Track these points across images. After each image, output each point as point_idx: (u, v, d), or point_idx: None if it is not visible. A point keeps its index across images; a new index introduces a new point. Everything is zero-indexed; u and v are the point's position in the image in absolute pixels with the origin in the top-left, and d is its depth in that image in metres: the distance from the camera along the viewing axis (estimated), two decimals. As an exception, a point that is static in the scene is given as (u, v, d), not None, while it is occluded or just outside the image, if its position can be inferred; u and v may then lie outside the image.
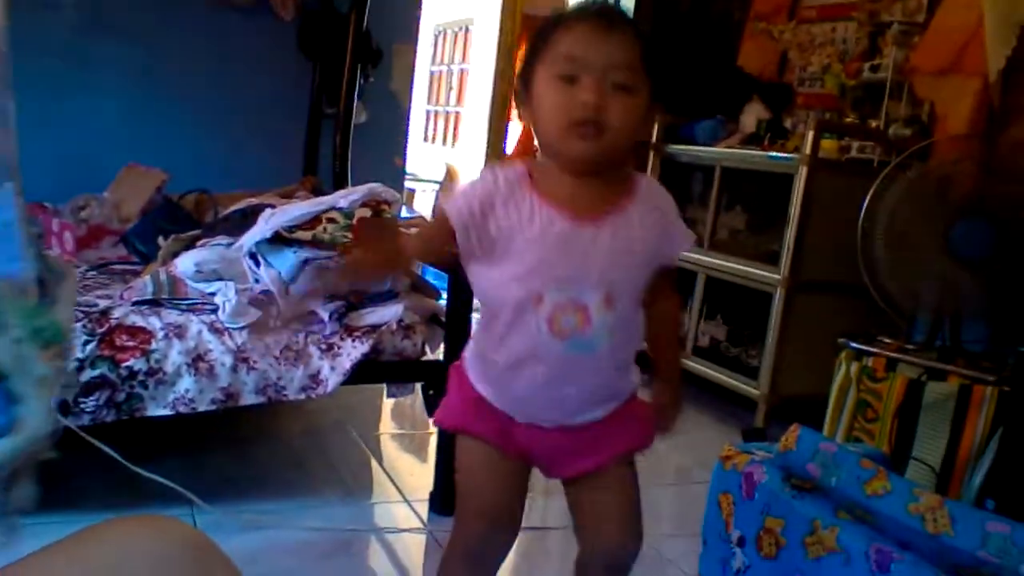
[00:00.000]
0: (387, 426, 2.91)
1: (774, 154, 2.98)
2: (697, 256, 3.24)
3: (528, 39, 1.18)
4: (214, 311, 1.99)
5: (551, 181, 1.16)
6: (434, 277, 2.86)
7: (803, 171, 2.77)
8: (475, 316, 1.34)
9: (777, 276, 2.84)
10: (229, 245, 2.24)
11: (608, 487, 1.28)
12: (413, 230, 1.37)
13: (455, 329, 2.11)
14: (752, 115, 3.37)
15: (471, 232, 1.15)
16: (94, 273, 2.39)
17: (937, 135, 2.82)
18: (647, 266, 1.19)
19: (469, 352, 1.29)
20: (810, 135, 2.77)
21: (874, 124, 3.03)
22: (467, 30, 6.10)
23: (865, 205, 2.44)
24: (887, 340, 2.31)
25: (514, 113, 6.13)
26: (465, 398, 1.26)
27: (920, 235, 2.29)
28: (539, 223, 1.13)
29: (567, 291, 1.13)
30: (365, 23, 3.32)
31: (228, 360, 1.90)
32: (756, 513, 1.54)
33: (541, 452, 1.26)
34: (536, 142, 1.18)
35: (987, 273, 2.23)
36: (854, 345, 2.28)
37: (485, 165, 1.32)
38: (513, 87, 1.23)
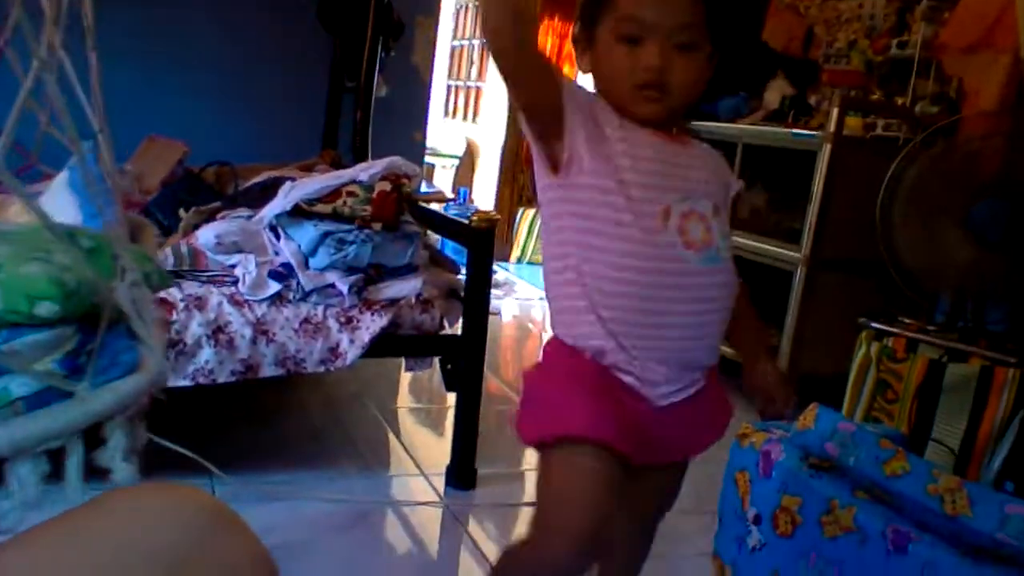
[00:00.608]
0: (405, 400, 2.93)
1: (797, 131, 2.95)
2: (717, 234, 3.22)
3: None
4: (234, 283, 2.01)
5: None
6: (452, 252, 2.86)
7: (827, 149, 2.73)
8: (551, 276, 1.14)
9: (798, 255, 2.82)
10: (249, 218, 2.25)
11: (675, 479, 1.32)
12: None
13: (474, 303, 2.11)
14: (776, 92, 3.33)
15: (578, 115, 1.08)
16: (116, 244, 2.41)
17: (965, 113, 2.77)
18: (726, 189, 1.20)
19: (568, 322, 1.13)
20: (835, 112, 2.73)
21: (901, 102, 2.99)
22: (488, 4, 6.05)
23: (886, 183, 2.41)
24: (908, 320, 2.29)
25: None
26: (588, 393, 1.09)
27: (940, 214, 2.25)
28: (642, 136, 1.10)
29: (687, 201, 1.10)
30: (386, -4, 3.31)
31: (248, 332, 1.91)
32: (773, 491, 1.53)
33: (675, 433, 1.17)
34: (597, 89, 1.14)
35: (1007, 253, 2.19)
36: (875, 325, 2.26)
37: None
38: (571, 36, 1.18)
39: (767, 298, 2.99)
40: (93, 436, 0.77)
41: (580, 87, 1.12)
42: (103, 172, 0.84)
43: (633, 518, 1.33)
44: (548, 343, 1.18)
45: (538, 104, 1.08)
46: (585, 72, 1.16)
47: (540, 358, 1.19)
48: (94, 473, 0.79)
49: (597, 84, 1.14)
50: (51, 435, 0.70)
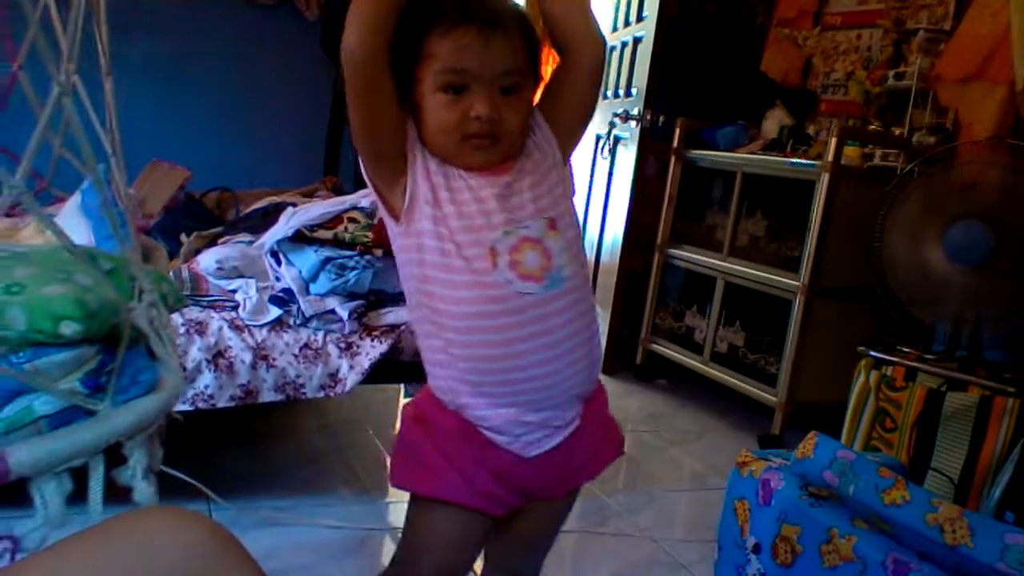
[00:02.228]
0: (403, 426, 2.92)
1: (796, 160, 2.97)
2: (716, 262, 3.23)
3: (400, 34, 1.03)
4: (235, 308, 2.01)
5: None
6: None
7: (825, 178, 2.76)
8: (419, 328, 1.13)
9: (797, 283, 2.83)
10: (250, 243, 2.26)
11: (553, 514, 1.22)
12: None
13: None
14: (774, 121, 3.35)
15: (417, 157, 1.05)
16: (117, 268, 2.42)
17: (961, 143, 2.80)
18: (561, 165, 1.13)
19: (434, 373, 1.12)
20: (833, 142, 2.75)
21: (898, 132, 3.01)
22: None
23: (881, 212, 2.42)
24: (906, 349, 2.30)
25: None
26: (450, 451, 1.10)
27: (930, 242, 2.27)
28: (458, 177, 1.06)
29: (514, 233, 1.04)
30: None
31: (248, 357, 1.91)
32: (772, 520, 1.53)
33: (547, 480, 1.14)
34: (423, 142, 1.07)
35: (987, 276, 2.19)
36: (873, 353, 2.27)
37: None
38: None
39: (766, 326, 3.00)
40: (113, 456, 0.78)
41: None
42: (116, 195, 0.85)
43: (515, 553, 1.26)
44: (423, 391, 1.15)
45: (385, 134, 1.05)
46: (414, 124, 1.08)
47: (415, 402, 1.17)
48: (114, 493, 0.79)
49: (422, 138, 1.07)
50: (74, 453, 0.71)
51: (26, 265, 0.83)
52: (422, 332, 1.11)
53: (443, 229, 1.04)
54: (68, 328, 0.77)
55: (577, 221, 1.15)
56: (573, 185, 1.16)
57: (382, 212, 1.10)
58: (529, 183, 1.08)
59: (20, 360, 0.77)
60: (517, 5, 1.09)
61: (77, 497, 0.74)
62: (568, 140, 1.14)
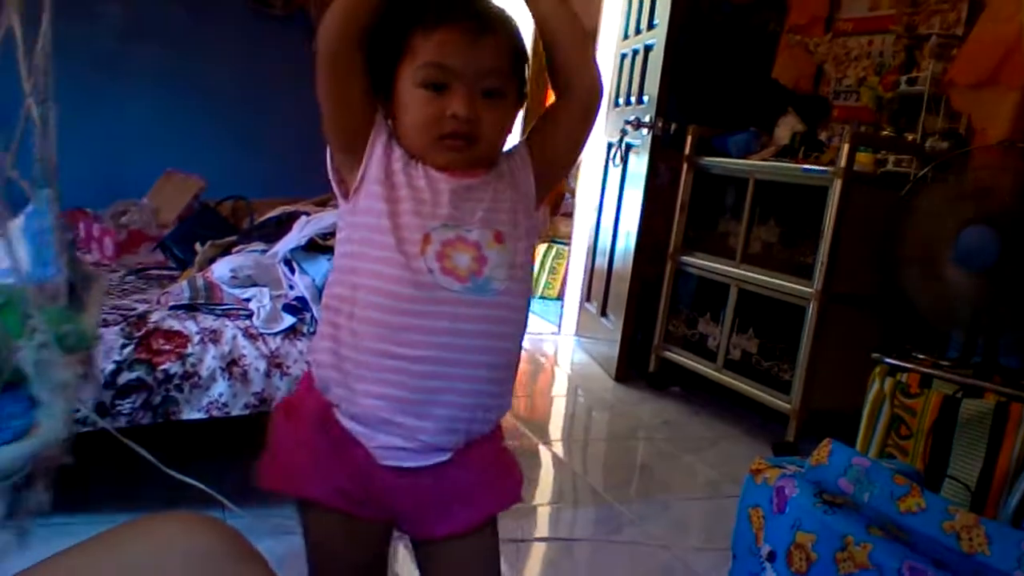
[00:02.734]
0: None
1: (808, 167, 2.96)
2: (729, 269, 3.22)
3: (384, 28, 1.03)
4: (249, 317, 2.02)
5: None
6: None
7: (837, 184, 2.75)
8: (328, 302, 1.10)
9: (810, 289, 2.82)
10: (264, 252, 2.27)
11: (471, 558, 1.13)
12: None
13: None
14: (786, 128, 3.35)
15: (379, 137, 1.05)
16: (132, 278, 2.43)
17: (974, 148, 2.79)
18: (532, 204, 1.10)
19: (315, 346, 1.11)
20: (845, 148, 2.75)
21: (911, 137, 3.01)
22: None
23: (893, 217, 2.41)
24: (921, 355, 2.28)
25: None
26: (303, 445, 1.09)
27: (939, 246, 2.25)
28: (420, 167, 1.04)
29: (455, 229, 1.02)
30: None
31: (262, 365, 1.92)
32: (787, 528, 1.52)
33: (405, 502, 1.08)
34: (396, 137, 1.06)
35: (996, 282, 2.17)
36: (888, 360, 2.25)
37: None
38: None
39: (779, 333, 2.99)
40: None
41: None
42: (52, 224, 0.83)
43: None
44: (300, 379, 1.13)
45: (353, 121, 1.05)
46: (385, 119, 1.07)
47: (287, 395, 1.15)
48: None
49: (396, 133, 1.06)
50: None
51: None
52: (330, 308, 1.07)
53: (387, 206, 1.02)
54: None
55: (530, 262, 1.11)
56: (535, 238, 1.13)
57: (336, 192, 1.09)
58: (490, 197, 1.06)
59: None
60: (505, 10, 1.07)
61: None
62: (547, 180, 1.12)
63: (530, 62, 1.09)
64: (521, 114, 1.12)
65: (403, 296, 1.01)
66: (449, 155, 1.03)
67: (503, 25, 1.05)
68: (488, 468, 1.11)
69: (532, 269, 1.13)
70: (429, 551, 1.14)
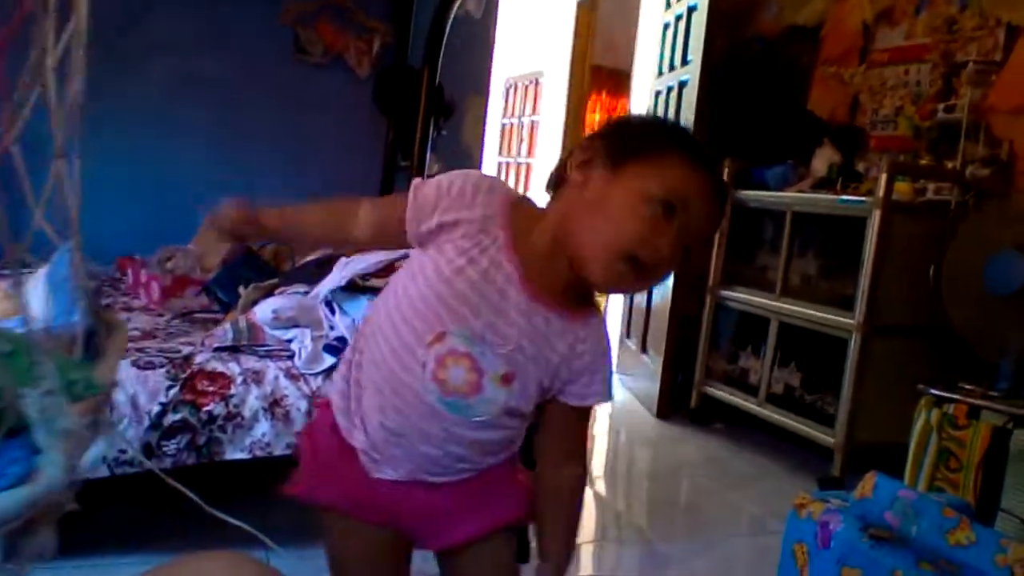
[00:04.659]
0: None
1: (846, 198, 2.94)
2: (769, 302, 3.20)
3: (621, 123, 1.03)
4: (291, 357, 2.05)
5: (530, 240, 1.00)
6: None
7: (876, 215, 2.72)
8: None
9: (852, 321, 2.78)
10: (306, 293, 2.31)
11: (483, 566, 1.14)
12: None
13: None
14: (823, 159, 3.33)
15: (421, 223, 1.02)
16: (178, 321, 2.48)
17: (1017, 174, 2.75)
18: (555, 380, 1.04)
19: (336, 381, 1.13)
20: (883, 178, 2.73)
21: (951, 165, 2.97)
22: (537, 83, 6.20)
23: (936, 247, 2.38)
24: (969, 386, 2.24)
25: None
26: (318, 458, 1.13)
27: (982, 273, 2.22)
28: (486, 264, 0.99)
29: (471, 344, 0.98)
30: (438, 78, 3.42)
31: (303, 405, 1.95)
32: (833, 563, 1.50)
33: (410, 516, 1.09)
34: (553, 225, 0.99)
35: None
36: (934, 391, 2.21)
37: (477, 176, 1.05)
38: (573, 157, 1.00)
39: (822, 366, 2.95)
40: None
41: (429, 195, 1.03)
42: (73, 273, 0.85)
43: None
44: (334, 380, 1.17)
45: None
46: (572, 186, 0.99)
47: (322, 403, 1.19)
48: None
49: (563, 222, 0.98)
50: None
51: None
52: (358, 330, 1.11)
53: (440, 283, 1.00)
54: None
55: (521, 424, 1.08)
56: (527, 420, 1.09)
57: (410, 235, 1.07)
58: (543, 339, 1.00)
59: None
60: None
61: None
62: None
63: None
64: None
65: (395, 372, 1.02)
66: (615, 278, 0.96)
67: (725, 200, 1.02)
68: (491, 482, 1.10)
69: (521, 428, 1.09)
70: (442, 563, 1.17)
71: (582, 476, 1.12)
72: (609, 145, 0.97)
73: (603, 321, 1.08)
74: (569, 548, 1.12)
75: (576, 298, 1.02)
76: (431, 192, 1.03)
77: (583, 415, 1.08)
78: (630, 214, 0.93)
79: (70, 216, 0.78)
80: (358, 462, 1.07)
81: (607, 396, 1.07)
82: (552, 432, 1.09)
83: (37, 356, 0.81)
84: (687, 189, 0.94)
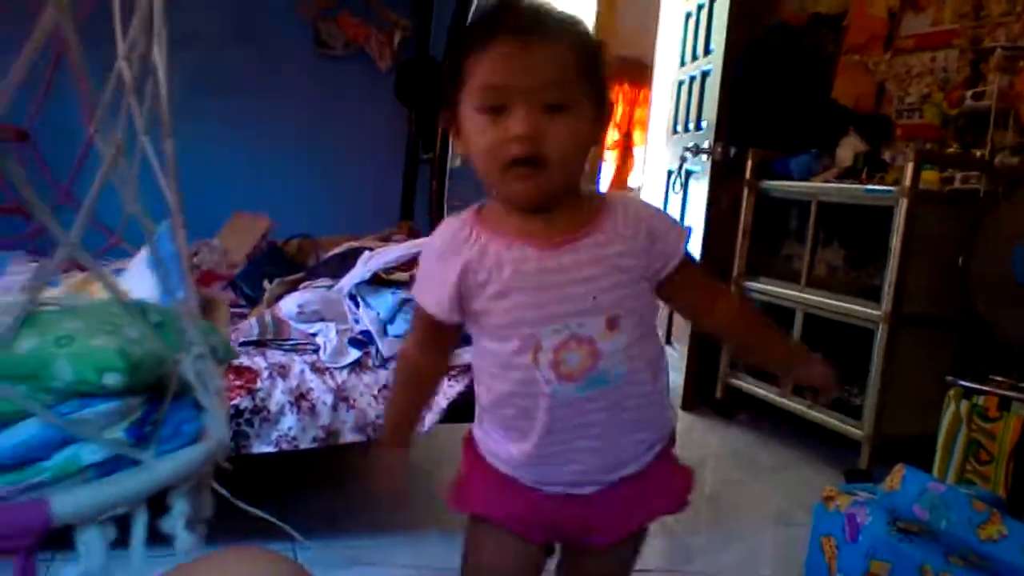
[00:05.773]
0: (482, 465, 2.92)
1: (872, 187, 2.91)
2: (795, 293, 3.17)
3: (446, 58, 1.03)
4: (316, 351, 2.06)
5: (506, 218, 1.02)
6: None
7: (903, 204, 2.69)
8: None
9: (879, 312, 2.75)
10: (330, 287, 2.32)
11: (613, 558, 1.17)
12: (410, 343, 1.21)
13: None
14: (848, 148, 3.29)
15: (455, 311, 1.04)
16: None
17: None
18: (644, 279, 1.04)
19: (479, 427, 1.16)
20: (910, 167, 2.69)
21: (979, 154, 2.93)
22: (557, 73, 6.21)
23: (964, 237, 2.35)
24: (999, 378, 2.21)
25: (606, 152, 6.16)
26: (485, 477, 1.13)
27: (1007, 264, 2.19)
28: (509, 265, 1.00)
29: (563, 328, 0.99)
30: (459, 70, 3.41)
31: (329, 399, 1.96)
32: (861, 556, 1.49)
33: (573, 523, 1.11)
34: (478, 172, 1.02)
35: None
36: (963, 383, 2.19)
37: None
38: (441, 120, 1.07)
39: (848, 357, 2.92)
40: (158, 504, 0.79)
41: (435, 281, 1.05)
42: (177, 251, 0.89)
43: None
44: (477, 423, 1.18)
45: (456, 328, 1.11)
46: (463, 155, 1.03)
47: (468, 436, 1.20)
48: (159, 540, 0.80)
49: (475, 168, 1.01)
50: (117, 502, 0.73)
51: (76, 318, 0.86)
52: (474, 366, 1.14)
53: (495, 329, 1.03)
54: (112, 379, 0.79)
55: (651, 332, 1.09)
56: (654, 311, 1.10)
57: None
58: (590, 267, 1.00)
59: (68, 410, 0.79)
60: (566, 15, 0.99)
61: (120, 543, 0.75)
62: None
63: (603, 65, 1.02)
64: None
65: (525, 403, 1.03)
66: (519, 184, 0.96)
67: (561, 32, 0.97)
68: (654, 474, 1.11)
69: (654, 329, 1.10)
70: (576, 555, 1.19)
71: (739, 296, 1.15)
72: (444, 109, 1.02)
73: (620, 196, 1.10)
74: (785, 336, 1.17)
75: (570, 211, 1.02)
76: (427, 299, 1.07)
77: (689, 264, 1.08)
78: (478, 133, 0.96)
79: (165, 197, 0.82)
80: (521, 484, 1.09)
81: (683, 229, 1.09)
82: (688, 297, 1.12)
83: (184, 324, 0.85)
84: (492, 66, 0.95)
